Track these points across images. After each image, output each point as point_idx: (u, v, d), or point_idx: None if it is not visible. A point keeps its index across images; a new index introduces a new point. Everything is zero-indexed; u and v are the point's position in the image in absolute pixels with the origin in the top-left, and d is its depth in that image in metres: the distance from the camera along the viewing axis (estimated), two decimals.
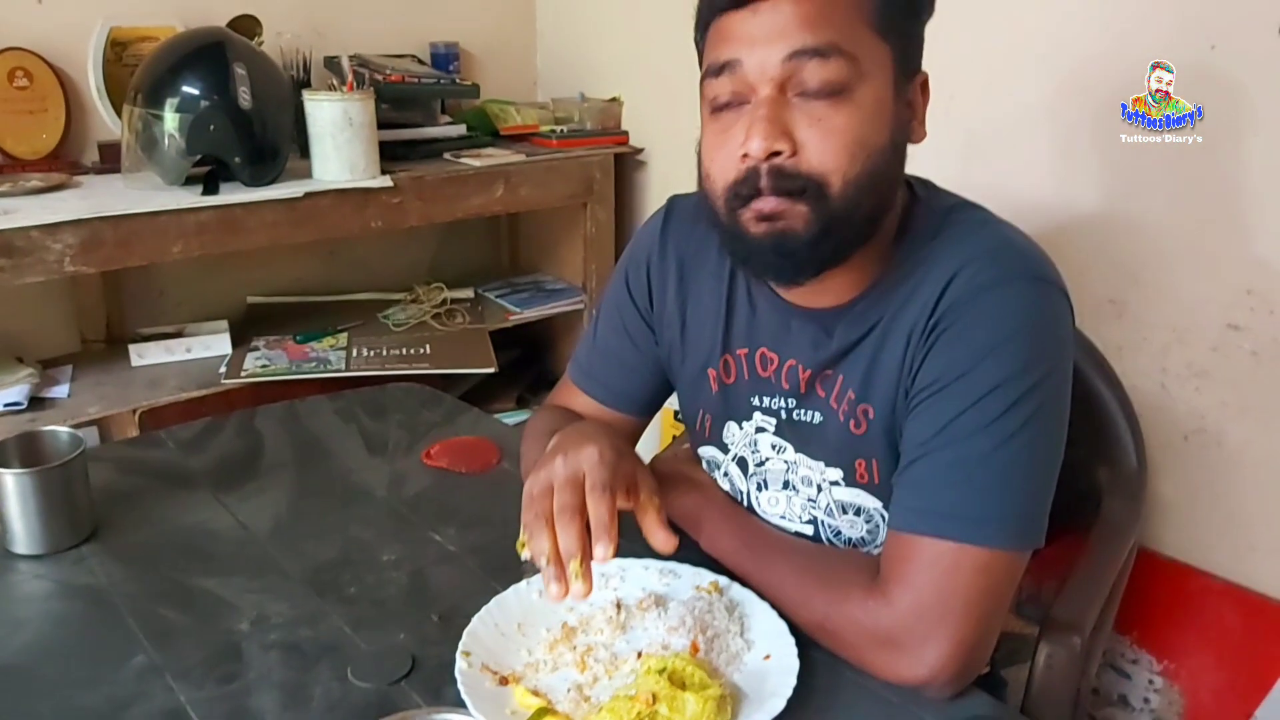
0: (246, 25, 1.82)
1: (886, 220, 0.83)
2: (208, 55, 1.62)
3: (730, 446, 0.98)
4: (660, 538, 0.80)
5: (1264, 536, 1.36)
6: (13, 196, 1.57)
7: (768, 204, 0.78)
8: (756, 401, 0.94)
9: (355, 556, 0.96)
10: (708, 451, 1.01)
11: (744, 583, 0.87)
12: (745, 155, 0.77)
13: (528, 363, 2.38)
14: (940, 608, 0.76)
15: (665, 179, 2.20)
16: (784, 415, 0.92)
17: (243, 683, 0.77)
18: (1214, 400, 1.36)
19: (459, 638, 0.79)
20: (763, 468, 0.95)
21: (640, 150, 2.22)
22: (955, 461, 0.78)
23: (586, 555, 0.75)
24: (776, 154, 0.76)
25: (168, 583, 0.91)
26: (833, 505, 0.91)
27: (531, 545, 0.77)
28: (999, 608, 0.79)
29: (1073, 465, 0.84)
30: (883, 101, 0.78)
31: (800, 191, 0.77)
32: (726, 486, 1.00)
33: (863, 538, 0.91)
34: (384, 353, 1.92)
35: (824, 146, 0.76)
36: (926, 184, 0.89)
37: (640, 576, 0.89)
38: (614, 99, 2.24)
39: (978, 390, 0.78)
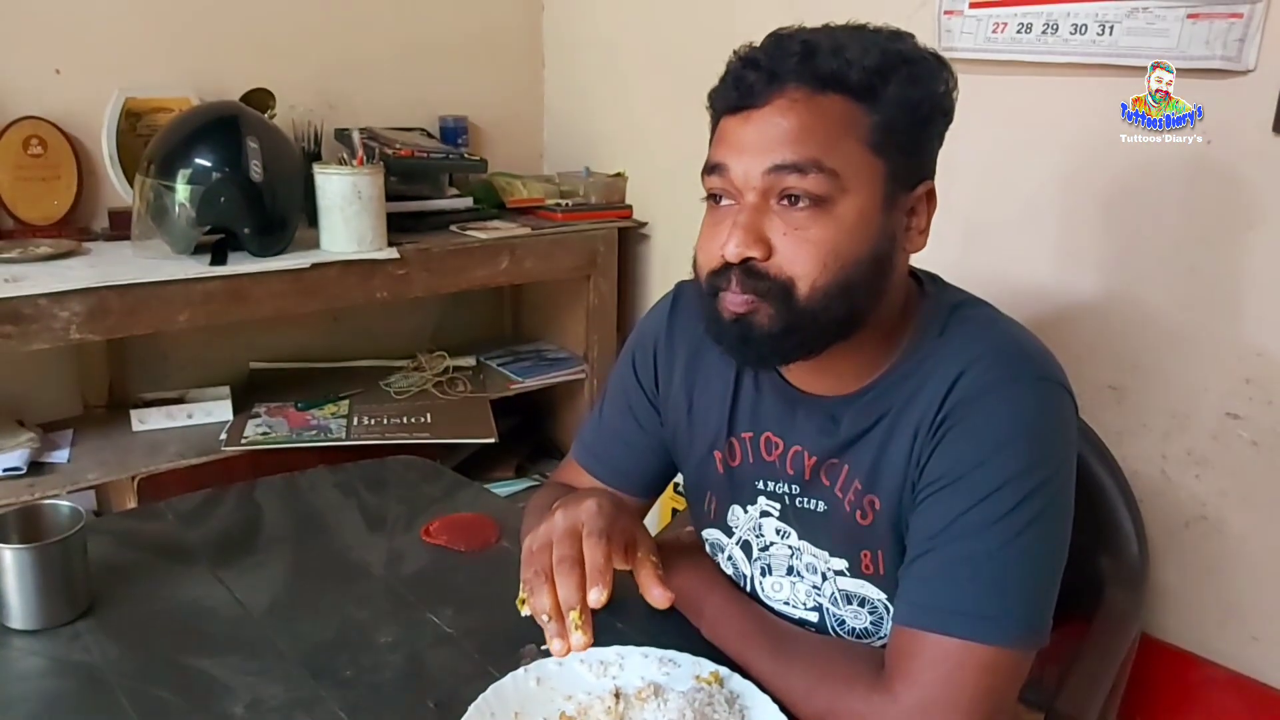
0: (260, 98, 1.85)
1: (877, 318, 0.84)
2: (221, 129, 1.65)
3: (735, 530, 0.97)
4: (656, 593, 0.81)
5: (1267, 627, 1.35)
6: (22, 263, 1.59)
7: (736, 301, 0.80)
8: (761, 485, 0.94)
9: (352, 638, 0.95)
10: (712, 534, 1.01)
11: (744, 672, 0.87)
12: (722, 254, 0.80)
13: (528, 431, 2.38)
14: (945, 705, 0.76)
15: (668, 252, 2.23)
16: (788, 501, 0.92)
17: None
18: (1214, 488, 1.36)
19: None
20: (767, 552, 0.95)
21: (644, 224, 2.25)
22: (961, 558, 0.78)
23: (585, 605, 0.76)
24: (750, 258, 0.79)
25: (163, 662, 0.90)
26: (837, 595, 0.91)
27: (532, 602, 0.78)
28: (1004, 706, 0.78)
29: (1074, 552, 0.84)
30: (867, 214, 0.79)
31: (766, 292, 0.79)
32: (730, 570, 0.99)
33: (867, 628, 0.91)
34: (385, 421, 1.92)
35: (796, 254, 0.78)
36: (934, 278, 0.91)
37: (639, 665, 0.88)
38: (619, 174, 2.27)
39: (984, 488, 0.78)
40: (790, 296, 0.79)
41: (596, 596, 0.76)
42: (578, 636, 0.75)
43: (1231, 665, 1.38)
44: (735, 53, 0.83)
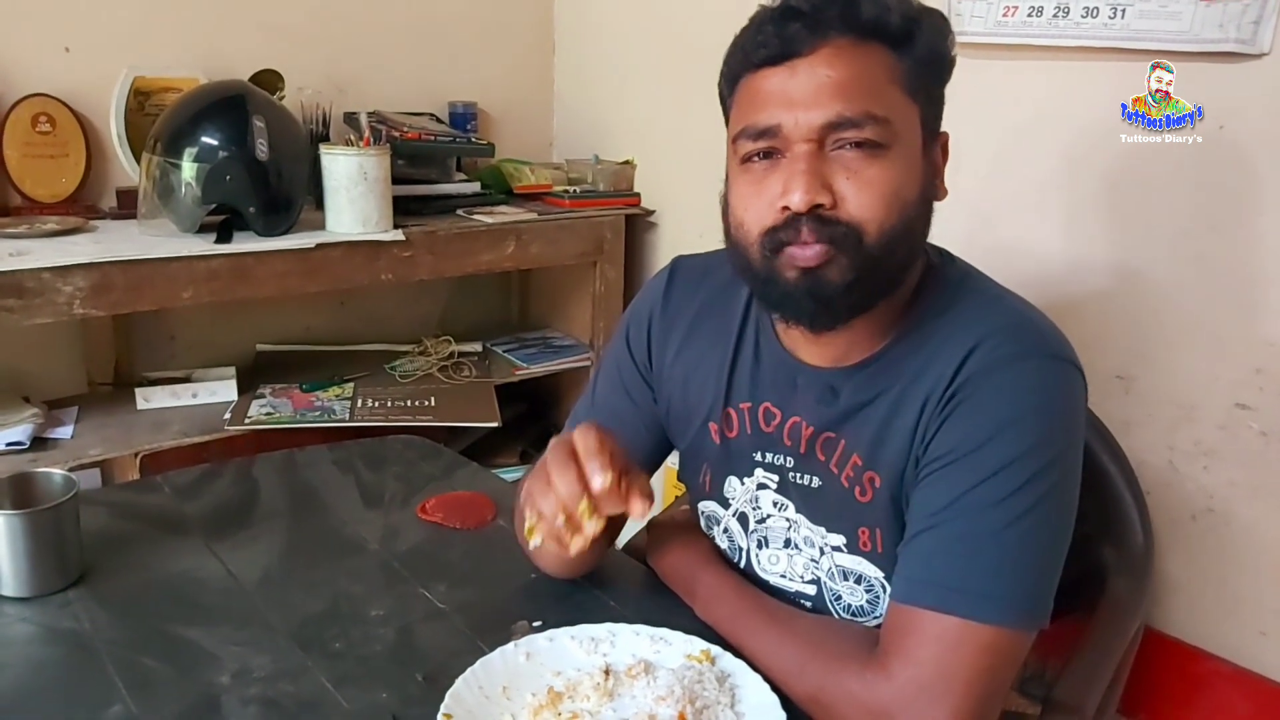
0: (269, 80, 1.85)
1: (907, 279, 0.84)
2: (228, 107, 1.65)
3: (731, 501, 0.96)
4: (638, 506, 0.77)
5: (1275, 622, 1.33)
6: (28, 238, 1.59)
7: (807, 255, 0.78)
8: (759, 457, 0.93)
9: (343, 610, 0.94)
10: (708, 506, 0.99)
11: (737, 651, 0.86)
12: (785, 208, 0.78)
13: (533, 417, 2.38)
14: (941, 685, 0.74)
15: (675, 240, 2.22)
16: (785, 473, 0.91)
17: None
18: (1223, 480, 1.34)
19: (442, 699, 0.77)
20: (764, 524, 0.94)
21: (651, 212, 2.24)
22: (964, 535, 0.77)
23: (591, 494, 0.75)
24: (818, 206, 0.77)
25: (151, 631, 0.90)
26: (834, 570, 0.90)
27: (540, 509, 0.78)
28: (1001, 687, 0.77)
29: (1079, 542, 0.83)
30: (913, 158, 0.80)
31: (840, 238, 0.77)
32: (725, 543, 0.98)
33: (863, 606, 0.89)
34: (389, 404, 1.92)
35: (861, 198, 0.77)
36: (942, 252, 0.90)
37: (630, 642, 0.87)
38: (627, 161, 2.26)
39: (992, 465, 0.77)
40: (861, 244, 0.77)
41: (601, 482, 0.75)
42: (591, 524, 0.76)
43: (1237, 660, 1.37)
44: (763, 7, 0.81)
